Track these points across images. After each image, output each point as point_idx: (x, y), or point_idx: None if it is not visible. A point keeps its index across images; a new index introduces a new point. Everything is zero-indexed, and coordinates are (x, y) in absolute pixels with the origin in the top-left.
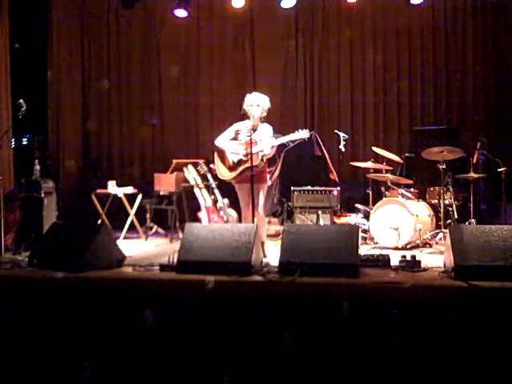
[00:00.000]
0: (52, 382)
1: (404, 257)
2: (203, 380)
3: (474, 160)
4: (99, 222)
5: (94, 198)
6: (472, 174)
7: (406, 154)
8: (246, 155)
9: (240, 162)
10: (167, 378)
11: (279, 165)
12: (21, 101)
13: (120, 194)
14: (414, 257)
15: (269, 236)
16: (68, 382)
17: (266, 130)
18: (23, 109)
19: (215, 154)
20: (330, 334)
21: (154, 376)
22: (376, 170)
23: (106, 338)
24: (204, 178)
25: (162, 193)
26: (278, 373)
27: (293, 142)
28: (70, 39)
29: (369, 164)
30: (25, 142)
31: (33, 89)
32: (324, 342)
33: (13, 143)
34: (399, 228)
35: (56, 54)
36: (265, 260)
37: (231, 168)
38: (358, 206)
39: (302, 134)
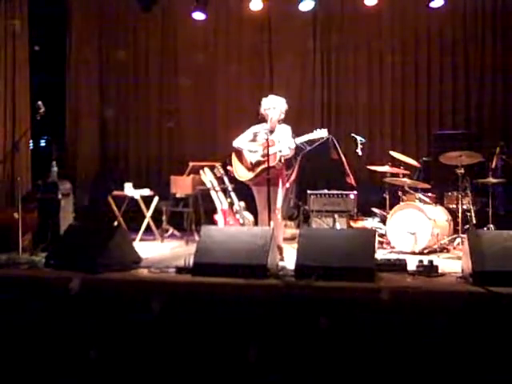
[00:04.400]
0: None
1: (421, 261)
2: (218, 381)
3: (493, 165)
4: (115, 223)
5: (110, 199)
6: (491, 179)
7: (424, 158)
8: (263, 156)
9: (258, 163)
10: (181, 378)
11: (296, 168)
12: (39, 103)
13: (136, 196)
14: (431, 262)
15: (285, 239)
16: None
17: (285, 130)
18: (41, 110)
19: (233, 154)
20: (345, 338)
21: (168, 377)
22: (393, 174)
23: (122, 339)
24: (220, 180)
25: (178, 195)
26: (292, 375)
27: (310, 144)
28: (88, 43)
29: (386, 168)
30: (43, 143)
31: (51, 91)
32: (339, 346)
33: (31, 145)
34: (416, 232)
35: (74, 57)
36: (281, 263)
37: (249, 169)
38: (374, 210)
39: (321, 133)
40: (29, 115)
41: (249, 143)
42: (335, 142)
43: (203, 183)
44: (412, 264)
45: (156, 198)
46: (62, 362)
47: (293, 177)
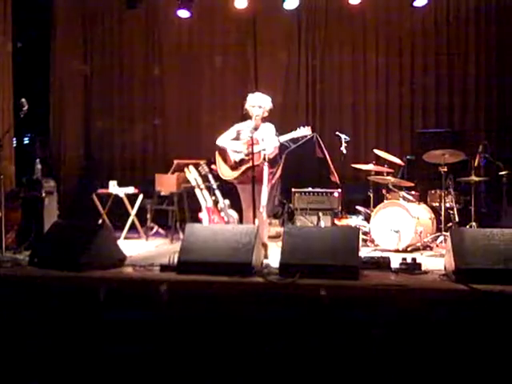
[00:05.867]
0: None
1: (404, 259)
2: (200, 379)
3: (476, 163)
4: (100, 221)
5: (95, 197)
6: (473, 177)
7: (408, 157)
8: (247, 154)
9: (242, 162)
10: (164, 377)
11: (281, 166)
12: (23, 100)
13: (121, 194)
14: (414, 259)
15: (269, 237)
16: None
17: (268, 129)
18: (25, 108)
19: (217, 153)
20: (329, 336)
21: (151, 375)
22: (377, 173)
23: (105, 337)
24: (205, 178)
25: (162, 193)
26: (274, 373)
27: (295, 142)
28: (72, 39)
29: (370, 166)
30: (26, 141)
31: (35, 88)
32: (322, 344)
33: (14, 142)
34: (400, 230)
35: (58, 54)
36: (265, 261)
37: (233, 167)
38: (358, 208)
39: (305, 131)
40: (12, 112)
41: (232, 142)
42: (320, 140)
43: (188, 181)
44: (395, 262)
45: (140, 196)
46: (45, 361)
47: (277, 174)
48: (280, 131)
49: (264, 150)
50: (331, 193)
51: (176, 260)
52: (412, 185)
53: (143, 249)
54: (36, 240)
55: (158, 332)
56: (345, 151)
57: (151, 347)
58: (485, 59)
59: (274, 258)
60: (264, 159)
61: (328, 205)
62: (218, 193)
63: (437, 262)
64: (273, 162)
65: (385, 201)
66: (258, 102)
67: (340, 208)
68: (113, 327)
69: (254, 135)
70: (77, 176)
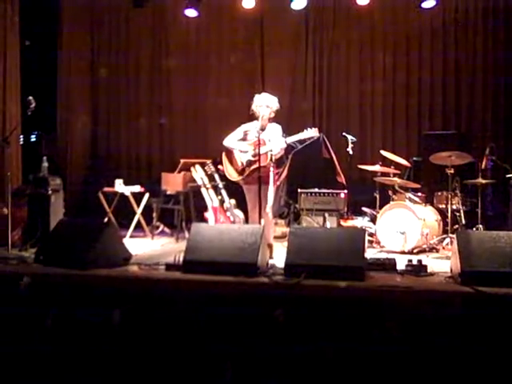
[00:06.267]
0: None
1: (410, 261)
2: (205, 379)
3: (483, 165)
4: (106, 220)
5: (100, 195)
6: (480, 180)
7: (414, 158)
8: (254, 155)
9: (249, 163)
10: (168, 377)
11: (287, 166)
12: (30, 98)
13: (127, 193)
14: (420, 261)
15: (275, 237)
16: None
17: (275, 129)
18: (32, 105)
19: (223, 154)
20: (334, 337)
21: (155, 375)
22: (384, 174)
23: (109, 335)
24: (211, 178)
25: (168, 192)
26: (280, 374)
27: (301, 142)
28: (79, 37)
29: (376, 167)
30: (33, 138)
31: (42, 86)
32: (327, 345)
33: (21, 140)
34: (406, 232)
35: (66, 52)
36: (271, 261)
37: (240, 169)
38: (364, 209)
39: (312, 132)
40: (19, 110)
41: (239, 142)
42: (326, 141)
43: (194, 180)
44: (401, 263)
45: (147, 195)
46: (46, 361)
47: (283, 175)
48: (287, 131)
49: (271, 150)
50: (337, 193)
51: (181, 259)
52: (418, 186)
53: (149, 248)
54: (42, 238)
55: (160, 332)
56: (351, 152)
57: (153, 347)
58: (492, 60)
59: (279, 258)
60: (271, 160)
61: (334, 205)
62: (224, 192)
63: (443, 264)
64: (279, 163)
65: (391, 202)
66: (265, 102)
67: (346, 209)
68: (117, 325)
69: (260, 136)
70: (83, 174)
